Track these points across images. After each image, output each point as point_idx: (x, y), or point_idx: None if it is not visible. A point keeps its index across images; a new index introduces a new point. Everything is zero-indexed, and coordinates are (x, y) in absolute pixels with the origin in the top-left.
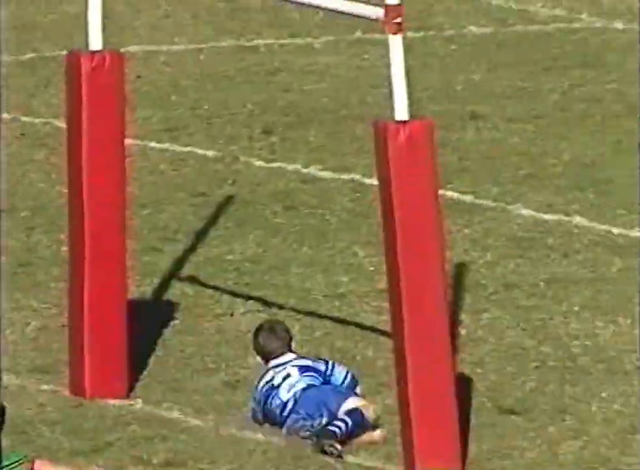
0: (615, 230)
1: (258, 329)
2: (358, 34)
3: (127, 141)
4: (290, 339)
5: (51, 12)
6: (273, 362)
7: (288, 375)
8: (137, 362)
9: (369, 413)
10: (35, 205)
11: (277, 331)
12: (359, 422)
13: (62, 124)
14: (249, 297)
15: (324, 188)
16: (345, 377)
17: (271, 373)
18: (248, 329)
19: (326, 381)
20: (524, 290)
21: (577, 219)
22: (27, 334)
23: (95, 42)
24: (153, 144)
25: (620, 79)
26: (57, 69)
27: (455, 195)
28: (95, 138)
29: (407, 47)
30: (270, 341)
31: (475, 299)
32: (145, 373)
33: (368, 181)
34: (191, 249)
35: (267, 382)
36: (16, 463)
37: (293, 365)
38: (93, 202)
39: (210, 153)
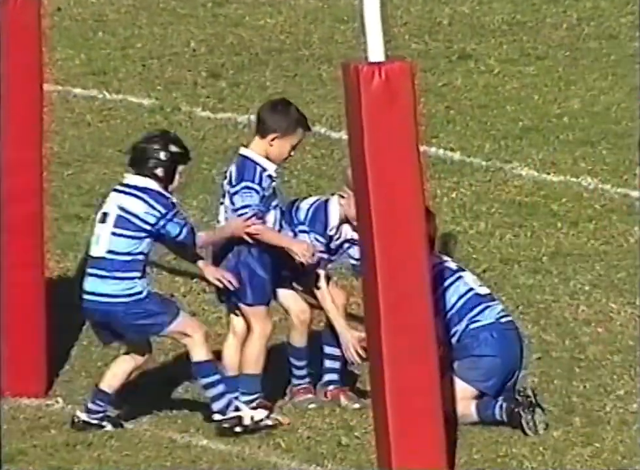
0: (634, 194)
1: None
2: None
3: (45, 86)
4: None
5: None
6: None
7: None
8: (57, 354)
9: None
10: None
11: None
12: None
13: None
14: (192, 276)
15: None
16: None
17: None
18: (192, 313)
19: None
20: (523, 266)
21: (588, 180)
22: None
23: None
24: (76, 90)
25: (639, 11)
26: None
27: (441, 152)
28: (5, 83)
29: None
30: None
31: None
32: (66, 367)
33: (335, 134)
34: None
35: None
36: None
37: None
38: (4, 160)
39: (146, 102)
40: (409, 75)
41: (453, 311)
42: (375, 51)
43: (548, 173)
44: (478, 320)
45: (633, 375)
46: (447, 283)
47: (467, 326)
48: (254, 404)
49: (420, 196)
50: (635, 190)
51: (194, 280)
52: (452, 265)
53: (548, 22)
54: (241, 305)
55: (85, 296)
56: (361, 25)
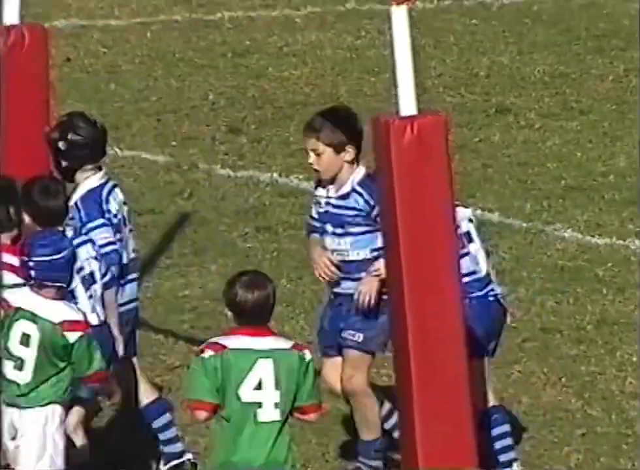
0: None
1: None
2: (351, 4)
3: None
4: None
5: None
6: None
7: None
8: None
9: None
10: None
11: None
12: None
13: None
14: None
15: (306, 204)
16: None
17: None
18: None
19: None
20: (566, 336)
21: (636, 243)
22: None
23: (11, 14)
24: None
25: None
26: None
27: (478, 212)
28: (9, 139)
29: (416, 21)
30: None
31: (504, 347)
32: None
33: None
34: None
35: None
36: None
37: None
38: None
39: (161, 159)
40: (443, 130)
41: None
42: (407, 105)
43: (593, 236)
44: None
45: None
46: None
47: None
48: None
49: (456, 260)
50: None
51: None
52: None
53: (593, 74)
54: None
55: None
56: (392, 76)
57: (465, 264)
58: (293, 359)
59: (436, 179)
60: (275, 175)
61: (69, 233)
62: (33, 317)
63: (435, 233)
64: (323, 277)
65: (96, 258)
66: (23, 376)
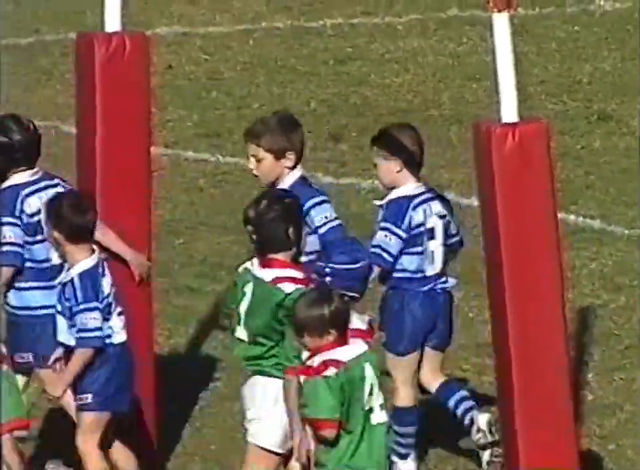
0: None
1: None
2: (452, 11)
3: (154, 150)
4: None
5: None
6: None
7: None
8: (168, 435)
9: None
10: None
11: None
12: None
13: (70, 128)
14: None
15: None
16: None
17: None
18: None
19: None
20: None
21: None
22: None
23: (113, 21)
24: (188, 154)
25: None
26: (61, 57)
27: (579, 219)
28: (110, 146)
29: (518, 28)
30: None
31: (606, 354)
32: (178, 449)
33: (465, 201)
34: None
35: None
36: None
37: None
38: (110, 228)
39: None
40: (545, 137)
41: None
42: (509, 112)
43: None
44: None
45: None
46: None
47: None
48: None
49: (558, 267)
50: None
51: None
52: None
53: None
54: None
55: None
56: (494, 83)
57: (414, 264)
58: (375, 357)
59: (538, 186)
60: (376, 182)
61: None
62: None
63: (537, 239)
64: None
65: None
66: None
